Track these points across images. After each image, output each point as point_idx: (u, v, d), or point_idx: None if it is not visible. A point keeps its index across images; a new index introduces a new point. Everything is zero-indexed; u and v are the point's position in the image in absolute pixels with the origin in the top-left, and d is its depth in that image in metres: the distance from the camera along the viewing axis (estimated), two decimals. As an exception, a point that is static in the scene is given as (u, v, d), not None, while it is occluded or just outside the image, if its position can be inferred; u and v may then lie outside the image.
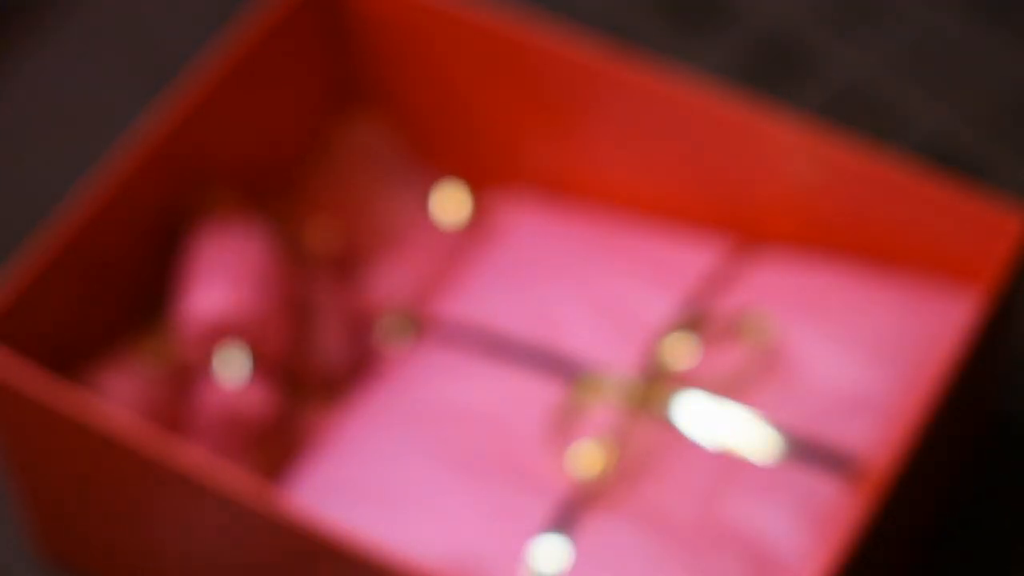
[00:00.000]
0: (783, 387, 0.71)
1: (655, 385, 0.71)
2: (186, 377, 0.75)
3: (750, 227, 0.76)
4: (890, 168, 0.72)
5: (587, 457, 0.69)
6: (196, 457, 0.65)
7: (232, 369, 0.73)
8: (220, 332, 0.72)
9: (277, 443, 0.74)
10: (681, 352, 0.71)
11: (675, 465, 0.69)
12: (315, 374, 0.76)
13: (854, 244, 0.74)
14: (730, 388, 0.71)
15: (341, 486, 0.71)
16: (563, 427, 0.70)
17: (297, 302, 0.76)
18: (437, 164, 0.83)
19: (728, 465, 0.69)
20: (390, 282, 0.79)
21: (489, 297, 0.75)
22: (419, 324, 0.76)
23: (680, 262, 0.75)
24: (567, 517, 0.68)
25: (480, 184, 0.82)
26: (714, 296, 0.74)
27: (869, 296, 0.73)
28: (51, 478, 0.72)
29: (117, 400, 0.73)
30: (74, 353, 0.74)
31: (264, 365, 0.73)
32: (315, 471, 0.72)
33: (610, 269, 0.75)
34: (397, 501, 0.69)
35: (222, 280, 0.73)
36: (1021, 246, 0.70)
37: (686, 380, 0.71)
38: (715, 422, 0.70)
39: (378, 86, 0.82)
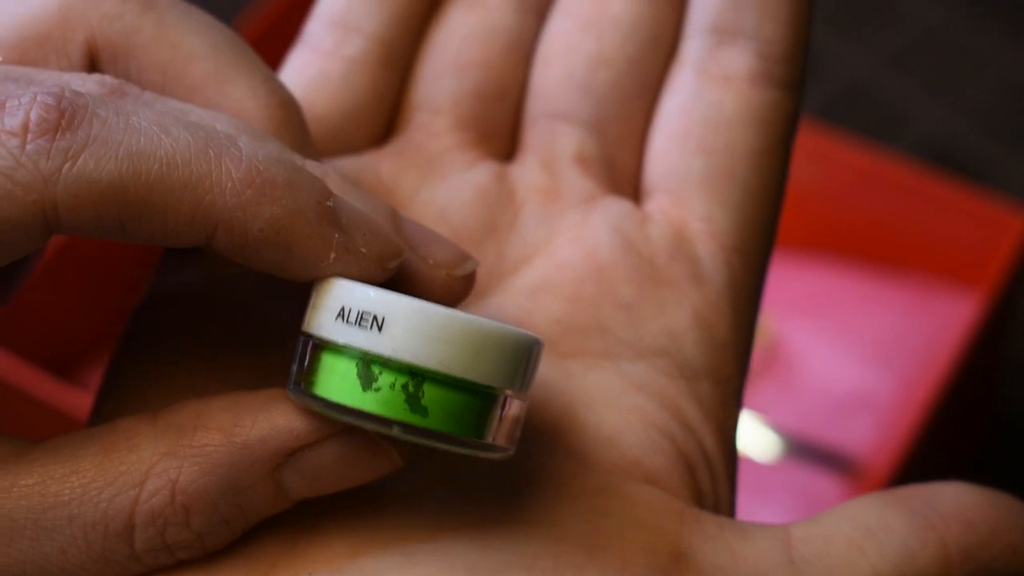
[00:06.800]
0: (783, 387, 0.71)
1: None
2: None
3: (750, 227, 0.76)
4: (891, 168, 0.71)
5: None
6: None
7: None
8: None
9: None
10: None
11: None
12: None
13: (855, 244, 0.74)
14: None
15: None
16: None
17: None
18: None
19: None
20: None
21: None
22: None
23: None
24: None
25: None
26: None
27: (869, 296, 0.73)
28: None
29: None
30: (71, 354, 0.74)
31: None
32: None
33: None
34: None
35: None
36: (1021, 246, 0.70)
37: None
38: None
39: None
